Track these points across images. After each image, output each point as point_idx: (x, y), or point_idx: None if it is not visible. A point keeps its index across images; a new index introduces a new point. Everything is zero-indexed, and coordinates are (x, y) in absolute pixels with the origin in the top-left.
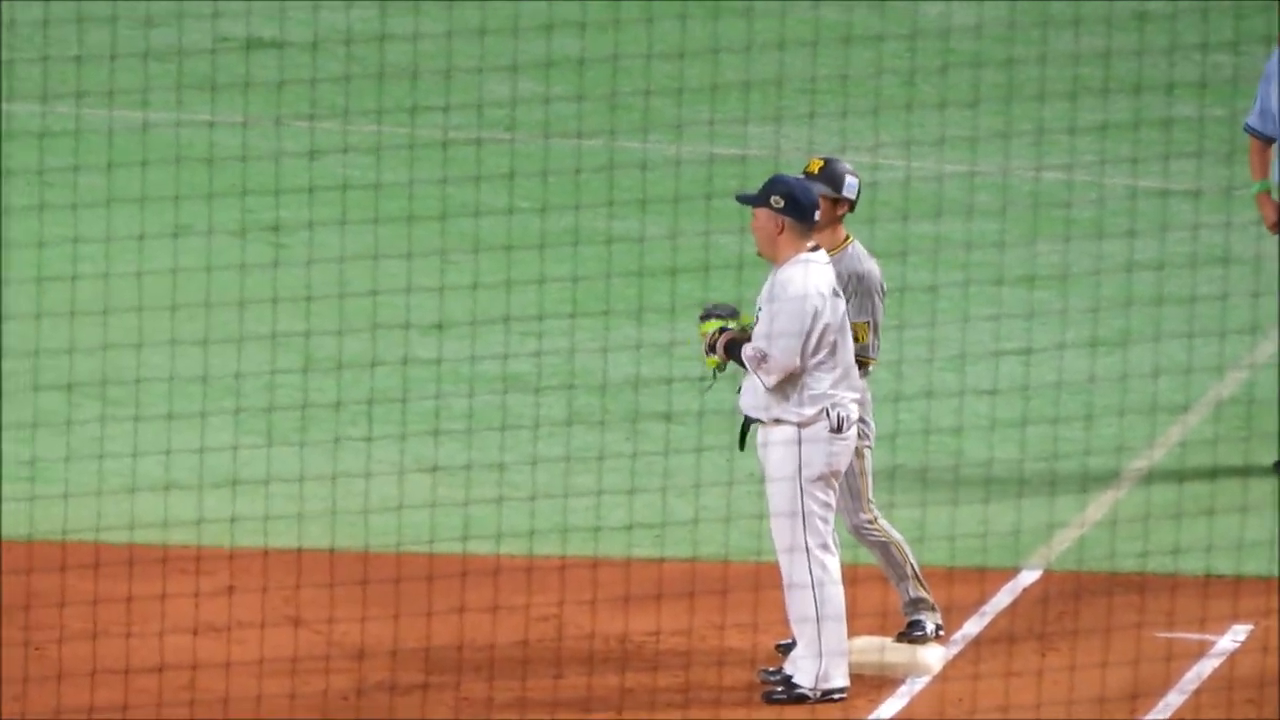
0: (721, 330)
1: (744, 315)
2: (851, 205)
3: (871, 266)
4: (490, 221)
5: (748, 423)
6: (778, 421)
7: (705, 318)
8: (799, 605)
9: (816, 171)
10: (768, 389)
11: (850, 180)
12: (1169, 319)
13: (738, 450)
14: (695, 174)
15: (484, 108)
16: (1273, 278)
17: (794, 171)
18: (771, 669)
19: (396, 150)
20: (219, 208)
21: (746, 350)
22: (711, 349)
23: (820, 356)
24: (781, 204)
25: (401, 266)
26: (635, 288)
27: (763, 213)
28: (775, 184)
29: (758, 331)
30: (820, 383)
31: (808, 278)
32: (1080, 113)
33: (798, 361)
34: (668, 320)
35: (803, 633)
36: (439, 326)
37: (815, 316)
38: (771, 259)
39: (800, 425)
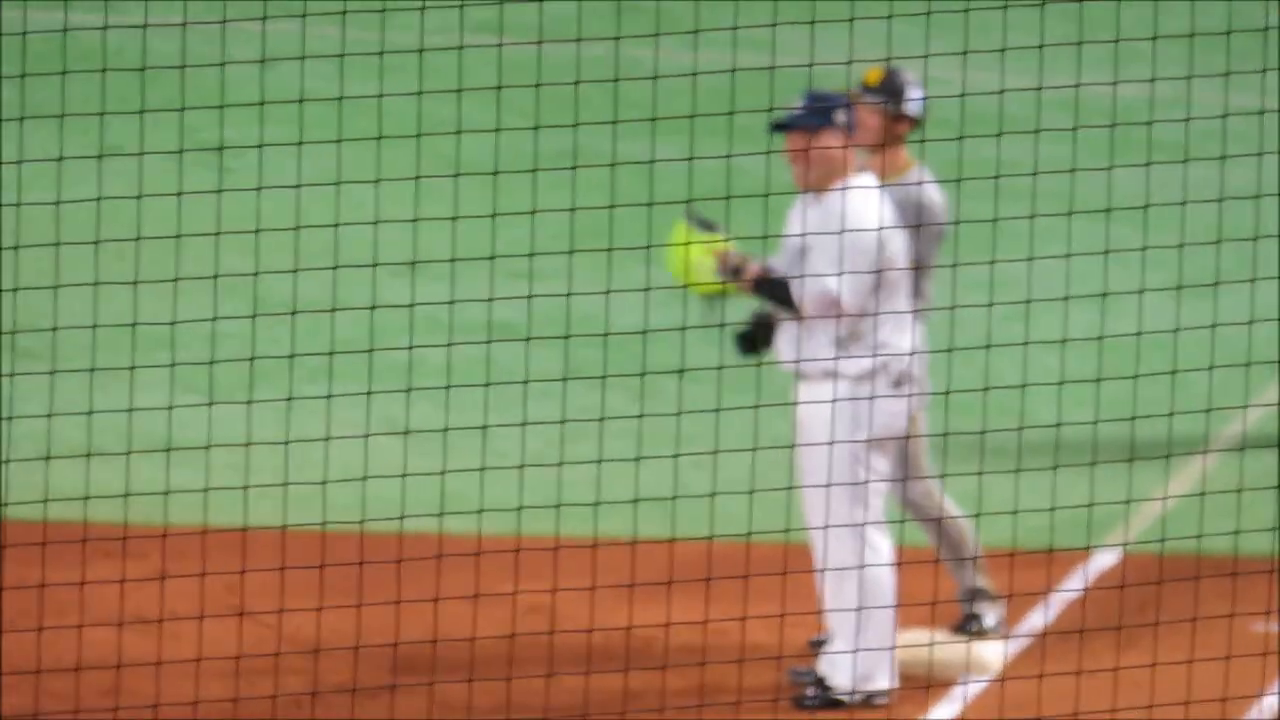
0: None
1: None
2: (916, 123)
3: (936, 197)
4: (473, 142)
5: (755, 333)
6: (829, 375)
7: (706, 227)
8: (840, 592)
9: (876, 84)
10: (816, 337)
11: (915, 93)
12: (1265, 258)
13: (745, 356)
14: (715, 87)
15: (466, 8)
16: None
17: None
18: (802, 668)
19: (363, 58)
20: (152, 125)
21: (810, 290)
22: (734, 273)
23: (882, 299)
24: (844, 120)
25: (368, 195)
26: (643, 221)
27: (827, 134)
28: (830, 99)
29: (815, 267)
30: (881, 329)
31: (874, 205)
32: (1163, 16)
33: (870, 306)
34: None
35: (842, 625)
36: (412, 265)
37: (881, 250)
38: (823, 187)
39: (856, 379)
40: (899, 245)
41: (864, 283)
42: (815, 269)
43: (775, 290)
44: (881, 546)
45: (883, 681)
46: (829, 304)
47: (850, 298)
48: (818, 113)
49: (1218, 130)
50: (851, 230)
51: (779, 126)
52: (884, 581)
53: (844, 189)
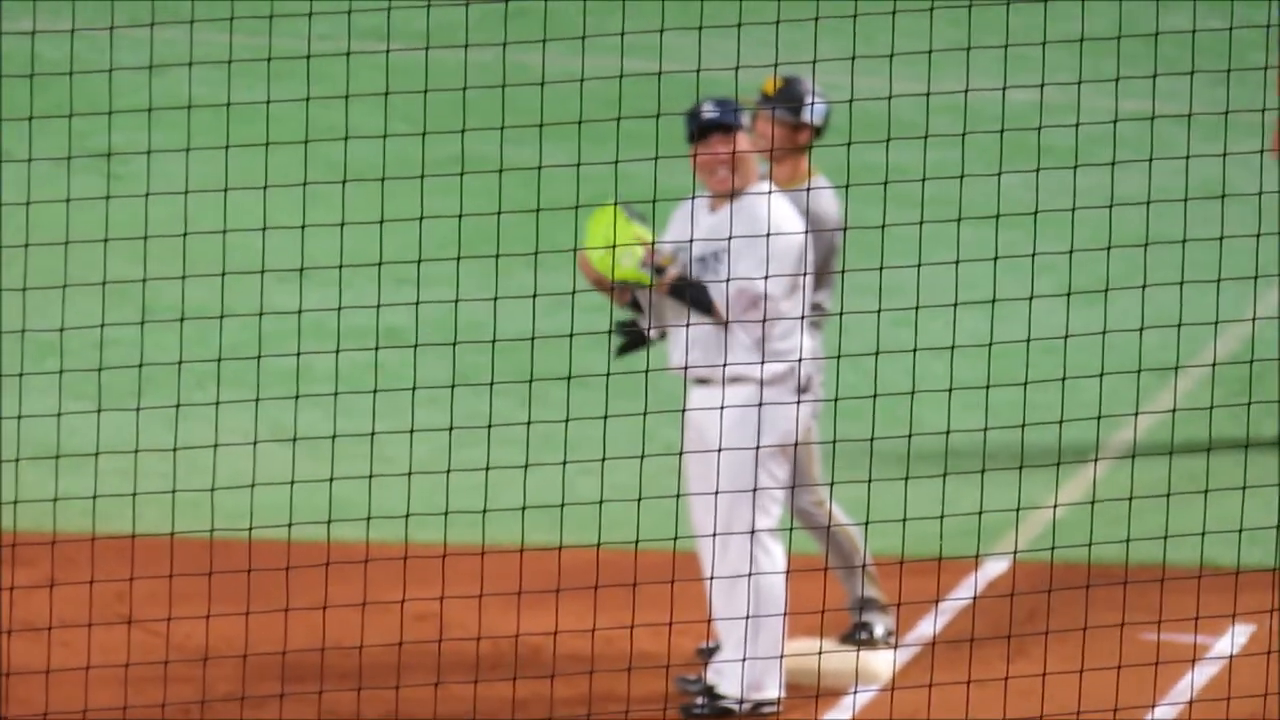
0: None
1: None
2: (817, 131)
3: (833, 207)
4: (360, 148)
5: (629, 338)
6: (735, 380)
7: (638, 218)
8: (731, 600)
9: (773, 93)
10: (726, 341)
11: (818, 105)
12: (1156, 264)
13: (615, 358)
14: (602, 92)
15: (353, 14)
16: (1275, 215)
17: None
18: (691, 676)
19: (250, 64)
20: (40, 131)
21: (732, 288)
22: (658, 271)
23: (793, 303)
24: (750, 124)
25: (255, 200)
26: (531, 227)
27: (742, 138)
28: (731, 103)
29: (737, 269)
30: (789, 334)
31: (789, 207)
32: (1053, 21)
33: (785, 310)
34: (569, 265)
35: (731, 632)
36: (299, 271)
37: (802, 255)
38: (741, 190)
39: (764, 384)
40: (807, 251)
41: (787, 286)
42: (738, 272)
43: (695, 293)
44: (777, 554)
45: (772, 690)
46: (755, 306)
47: (782, 299)
48: (737, 116)
49: (1107, 135)
50: (779, 233)
51: (715, 126)
52: (776, 590)
53: (767, 192)
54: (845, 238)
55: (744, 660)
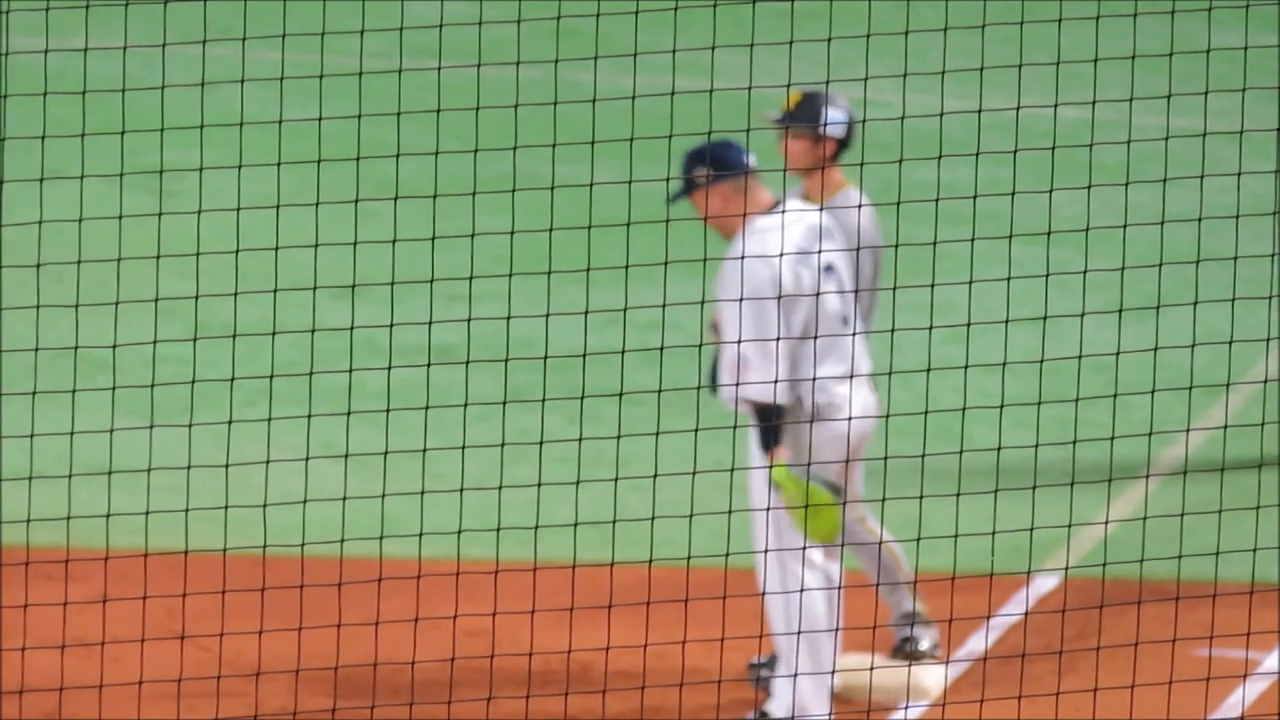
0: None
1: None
2: (841, 144)
3: (866, 220)
4: (411, 165)
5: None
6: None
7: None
8: (778, 617)
9: (794, 107)
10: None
11: (833, 114)
12: (1208, 282)
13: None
14: (653, 110)
15: (405, 31)
16: None
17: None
18: (763, 658)
19: (302, 81)
20: (92, 149)
21: (725, 403)
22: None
23: (792, 331)
24: (703, 177)
25: (307, 217)
26: (582, 243)
27: (698, 196)
28: (690, 160)
29: (720, 350)
30: (796, 361)
31: (760, 248)
32: (1104, 39)
33: (775, 359)
34: (620, 282)
35: (781, 651)
36: (351, 289)
37: (772, 294)
38: (729, 236)
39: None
40: (801, 276)
41: (763, 334)
42: (722, 330)
43: (765, 423)
44: (822, 571)
45: (818, 709)
46: (740, 374)
47: (758, 358)
48: (683, 183)
49: (1158, 152)
50: (734, 285)
51: (673, 200)
52: (816, 608)
53: (741, 233)
54: (896, 254)
55: (794, 677)
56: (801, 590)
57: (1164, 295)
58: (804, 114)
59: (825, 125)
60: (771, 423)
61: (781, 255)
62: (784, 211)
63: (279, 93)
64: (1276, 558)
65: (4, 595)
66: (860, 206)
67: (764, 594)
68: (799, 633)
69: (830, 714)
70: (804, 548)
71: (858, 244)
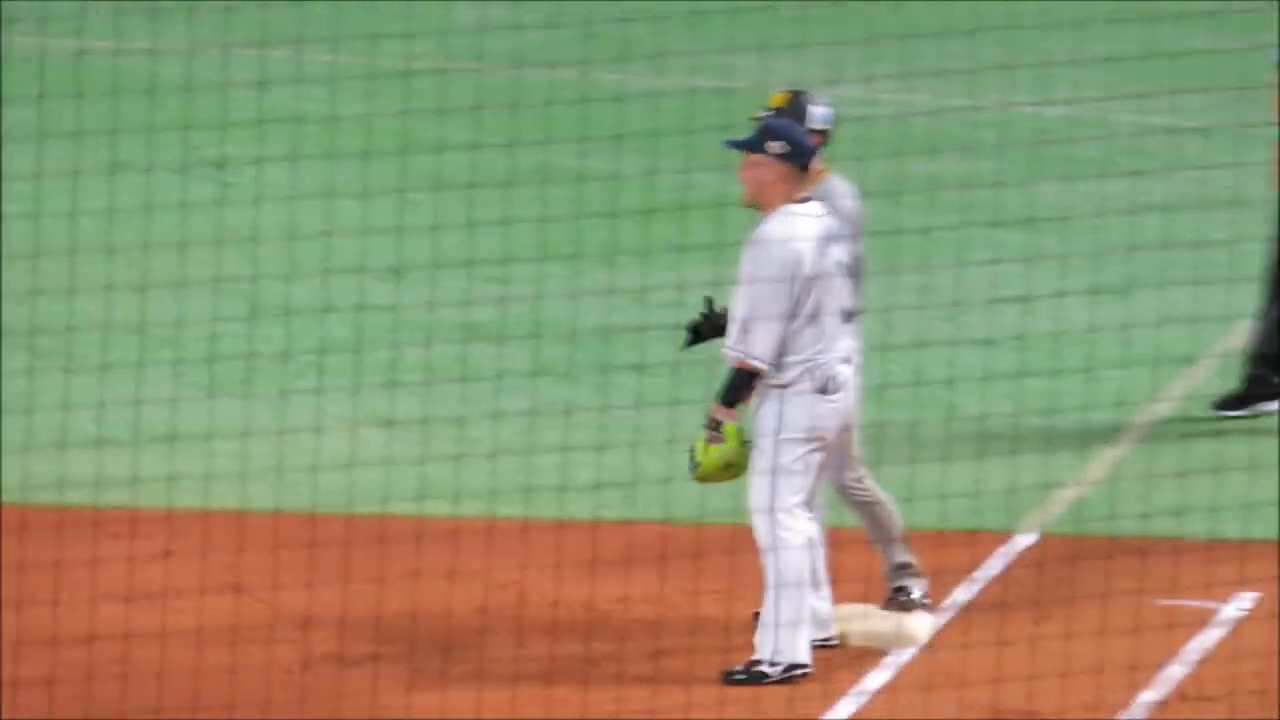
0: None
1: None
2: (824, 136)
3: (847, 204)
4: (453, 158)
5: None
6: (767, 386)
7: (712, 439)
8: (768, 570)
9: (782, 105)
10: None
11: (816, 111)
12: (1175, 265)
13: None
14: (675, 108)
15: (448, 35)
16: None
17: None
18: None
19: (353, 81)
20: (160, 143)
21: (729, 356)
22: (716, 427)
23: (802, 316)
24: (778, 149)
25: (357, 206)
26: (608, 230)
27: (758, 158)
28: (772, 128)
29: (734, 314)
30: (802, 343)
31: (789, 230)
32: (1086, 44)
33: (780, 337)
34: (641, 265)
35: (766, 600)
36: (396, 271)
37: (795, 276)
38: (760, 209)
39: (782, 387)
40: (820, 262)
41: (773, 323)
42: (733, 307)
43: (730, 383)
44: (801, 529)
45: (801, 655)
46: (746, 331)
47: (761, 346)
48: (755, 138)
49: (1133, 148)
50: (760, 265)
51: (731, 143)
52: (796, 562)
53: (774, 216)
54: (893, 240)
55: (776, 627)
56: (778, 548)
57: (1136, 278)
58: (790, 110)
59: (811, 120)
60: (741, 385)
61: (805, 242)
62: (807, 201)
63: (331, 91)
64: (1235, 515)
65: (73, 551)
66: (852, 190)
67: (760, 549)
68: (776, 585)
69: (808, 663)
70: (778, 508)
71: (853, 231)
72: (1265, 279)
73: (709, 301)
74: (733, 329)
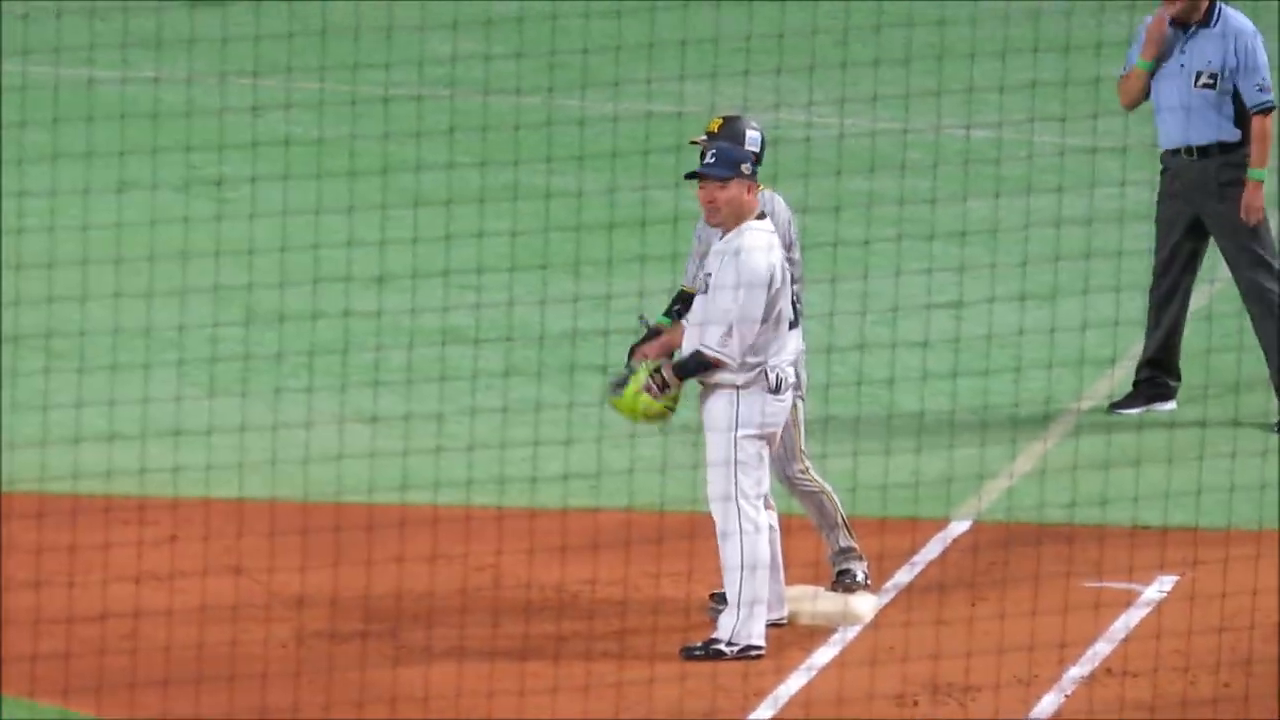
0: (656, 370)
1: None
2: (758, 158)
3: (785, 217)
4: (430, 177)
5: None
6: (717, 385)
7: (619, 385)
8: (727, 554)
9: (717, 130)
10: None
11: (751, 134)
12: (1096, 274)
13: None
14: (632, 130)
15: (425, 65)
16: None
17: (696, 131)
18: (720, 591)
19: (338, 106)
20: (163, 163)
21: (708, 354)
22: (663, 388)
23: (770, 321)
24: (747, 170)
25: (343, 221)
26: (573, 242)
27: (735, 183)
28: (733, 153)
29: (718, 311)
30: (761, 347)
31: (770, 252)
32: (1010, 71)
33: (753, 340)
34: (604, 274)
35: (728, 583)
36: (379, 280)
37: (770, 284)
38: (733, 225)
39: (739, 388)
40: (782, 273)
41: (756, 326)
42: (719, 302)
43: (696, 366)
44: (759, 518)
45: (756, 639)
46: (729, 335)
47: (743, 343)
48: (726, 166)
49: (1056, 166)
50: (748, 276)
51: (705, 174)
52: (758, 548)
53: (750, 231)
54: (834, 252)
55: (738, 609)
56: (740, 534)
57: (1060, 285)
58: (725, 135)
59: (747, 142)
60: (703, 370)
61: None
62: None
63: (319, 116)
64: (1156, 504)
65: (86, 536)
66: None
67: (720, 535)
68: (741, 569)
69: (763, 646)
70: (736, 497)
71: (790, 241)
72: (1149, 290)
73: (643, 319)
74: (710, 330)
